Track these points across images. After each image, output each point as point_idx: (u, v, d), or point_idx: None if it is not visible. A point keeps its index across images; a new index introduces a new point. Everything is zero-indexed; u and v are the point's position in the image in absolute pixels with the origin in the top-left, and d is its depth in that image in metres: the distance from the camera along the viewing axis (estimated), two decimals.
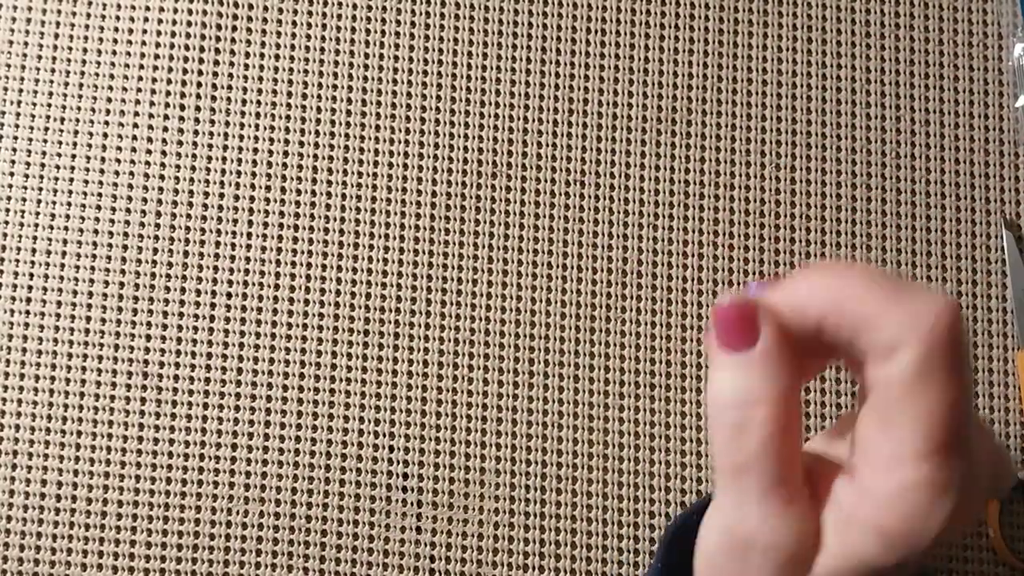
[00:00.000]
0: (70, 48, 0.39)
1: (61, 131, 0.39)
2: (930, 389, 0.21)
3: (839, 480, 0.23)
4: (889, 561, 0.22)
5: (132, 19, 0.39)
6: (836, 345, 0.23)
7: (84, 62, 0.39)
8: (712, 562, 0.24)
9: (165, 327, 0.38)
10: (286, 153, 0.39)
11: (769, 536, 0.23)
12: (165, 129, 0.39)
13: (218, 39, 0.39)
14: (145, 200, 0.38)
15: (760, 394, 0.22)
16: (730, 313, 0.22)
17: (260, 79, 0.39)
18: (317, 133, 0.39)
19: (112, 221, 0.38)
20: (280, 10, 0.40)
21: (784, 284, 0.23)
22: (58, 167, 0.38)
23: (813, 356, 0.24)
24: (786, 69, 0.40)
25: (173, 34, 0.39)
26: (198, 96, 0.39)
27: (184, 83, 0.39)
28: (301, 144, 0.39)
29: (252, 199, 0.39)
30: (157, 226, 0.38)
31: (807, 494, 0.23)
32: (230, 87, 0.39)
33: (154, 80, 0.39)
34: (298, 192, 0.39)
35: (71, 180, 0.38)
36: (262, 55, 0.39)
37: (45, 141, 0.39)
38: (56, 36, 0.39)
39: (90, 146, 0.39)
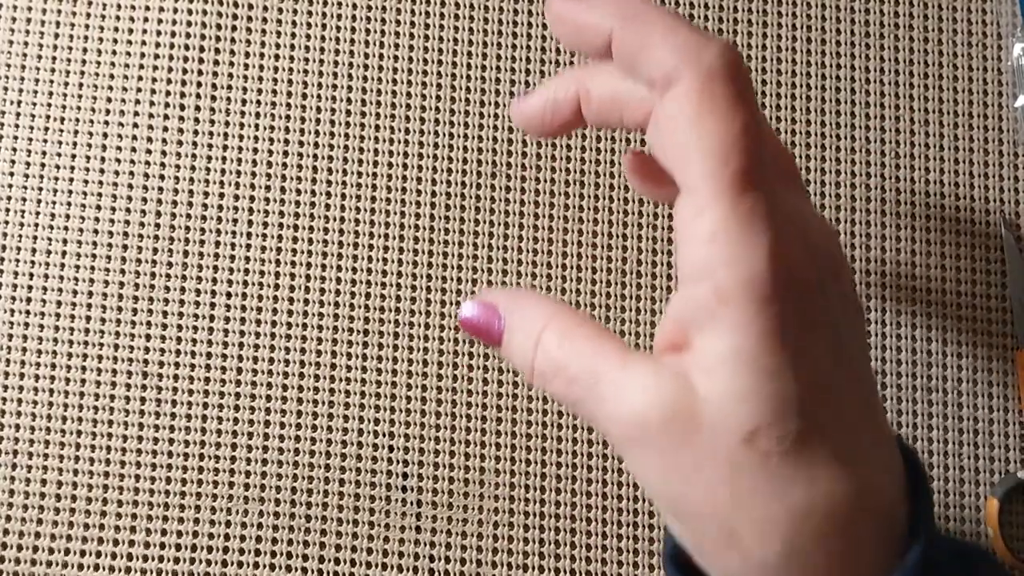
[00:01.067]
0: (70, 48, 0.39)
1: (61, 131, 0.39)
2: (708, 124, 0.20)
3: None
4: (748, 324, 0.20)
5: (132, 19, 0.39)
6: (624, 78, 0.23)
7: (84, 62, 0.39)
8: (659, 494, 0.22)
9: (165, 327, 0.38)
10: (286, 153, 0.39)
11: (635, 403, 0.21)
12: (165, 129, 0.39)
13: (218, 39, 0.39)
14: (145, 200, 0.38)
15: (532, 337, 0.23)
16: (467, 325, 0.24)
17: (260, 79, 0.39)
18: (317, 133, 0.39)
19: (112, 221, 0.38)
20: (280, 10, 0.40)
21: (579, 3, 0.24)
22: (58, 167, 0.38)
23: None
24: (786, 69, 0.40)
25: (173, 34, 0.39)
26: (198, 96, 0.39)
27: (184, 83, 0.39)
28: (301, 144, 0.39)
29: (252, 199, 0.39)
30: (157, 226, 0.38)
31: (646, 354, 0.22)
32: (230, 87, 0.39)
33: (154, 80, 0.39)
34: (298, 192, 0.39)
35: (71, 180, 0.38)
36: (262, 55, 0.39)
37: (45, 141, 0.39)
38: (56, 36, 0.39)
39: (90, 146, 0.39)
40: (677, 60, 0.21)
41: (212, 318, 0.38)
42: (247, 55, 0.39)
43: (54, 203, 0.38)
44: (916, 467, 0.22)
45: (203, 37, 0.39)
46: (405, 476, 0.37)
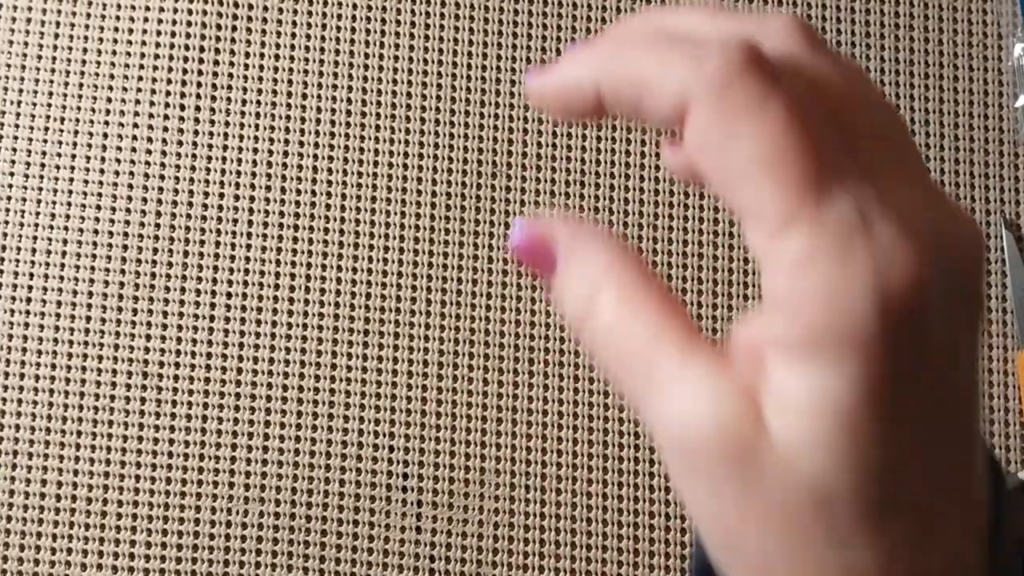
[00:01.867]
0: (70, 48, 0.39)
1: (61, 131, 0.39)
2: (743, 137, 0.17)
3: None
4: (842, 377, 0.16)
5: (132, 19, 0.39)
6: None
7: (84, 62, 0.39)
8: (700, 515, 0.18)
9: (165, 327, 0.38)
10: (286, 153, 0.39)
11: (690, 414, 0.17)
12: (165, 129, 0.39)
13: (218, 39, 0.39)
14: (145, 200, 0.38)
15: (591, 286, 0.19)
16: (522, 250, 0.20)
17: (260, 79, 0.39)
18: (317, 133, 0.39)
19: (112, 221, 0.38)
20: (280, 10, 0.40)
21: (558, 63, 0.20)
22: (58, 167, 0.38)
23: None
24: None
25: (173, 34, 0.39)
26: (198, 96, 0.39)
27: (184, 83, 0.39)
28: (301, 144, 0.39)
29: (252, 199, 0.39)
30: (157, 226, 0.38)
31: (714, 351, 0.18)
32: (230, 87, 0.39)
33: (154, 80, 0.39)
34: (298, 192, 0.39)
35: (71, 180, 0.38)
36: (262, 55, 0.39)
37: (45, 141, 0.39)
38: (56, 36, 0.39)
39: (90, 146, 0.39)
40: (679, 88, 0.18)
41: (212, 318, 0.38)
42: (247, 55, 0.39)
43: (54, 203, 0.38)
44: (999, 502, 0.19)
45: (203, 37, 0.39)
46: (405, 476, 0.37)
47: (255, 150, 0.39)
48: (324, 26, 0.40)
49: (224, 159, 0.39)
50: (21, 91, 0.39)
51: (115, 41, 0.39)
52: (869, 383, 0.16)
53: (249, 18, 0.40)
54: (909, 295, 0.16)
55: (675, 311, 0.19)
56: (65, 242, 0.38)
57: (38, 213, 0.38)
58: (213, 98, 0.39)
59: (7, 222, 0.38)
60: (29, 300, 0.38)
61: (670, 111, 0.18)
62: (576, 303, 0.20)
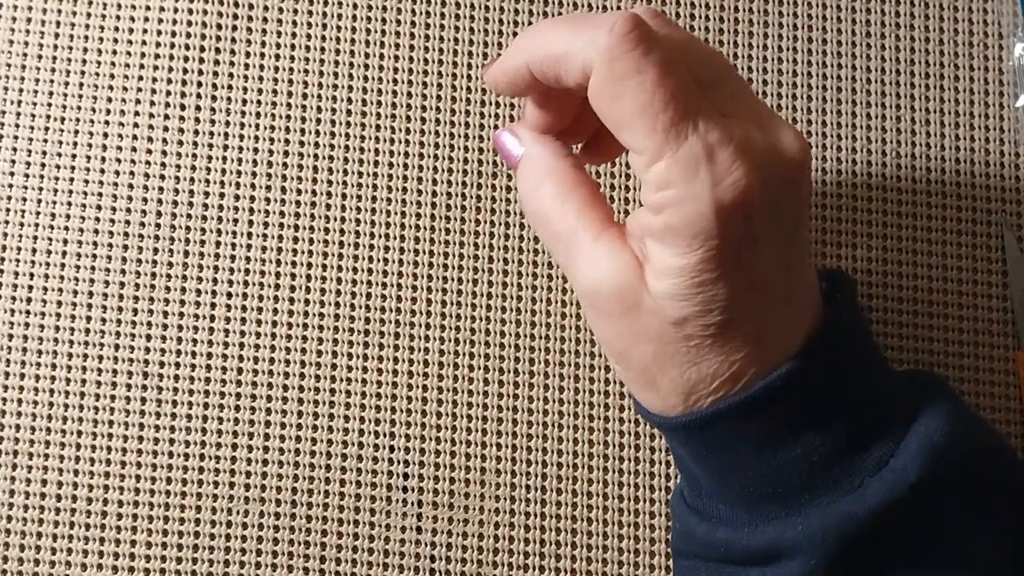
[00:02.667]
0: (70, 48, 0.39)
1: (61, 131, 0.39)
2: (624, 95, 0.24)
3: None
4: (690, 243, 0.24)
5: (132, 19, 0.39)
6: (561, 92, 0.28)
7: (84, 62, 0.39)
8: (602, 341, 0.28)
9: (165, 327, 0.38)
10: (286, 153, 0.39)
11: (597, 276, 0.26)
12: (165, 129, 0.39)
13: (218, 39, 0.39)
14: (145, 200, 0.38)
15: (536, 181, 0.28)
16: (496, 143, 0.30)
17: (260, 79, 0.39)
18: (317, 133, 0.39)
19: (112, 221, 0.38)
20: (280, 10, 0.40)
21: (500, 56, 0.29)
22: (58, 167, 0.38)
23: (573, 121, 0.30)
24: (786, 69, 0.40)
25: (173, 34, 0.39)
26: (198, 96, 0.39)
27: (184, 83, 0.39)
28: (301, 144, 0.39)
29: (252, 199, 0.39)
30: (157, 226, 0.38)
31: (620, 231, 0.27)
32: (230, 87, 0.39)
33: (154, 80, 0.39)
34: (298, 192, 0.39)
35: (71, 180, 0.38)
36: (262, 55, 0.39)
37: (45, 141, 0.39)
38: (56, 36, 0.39)
39: (90, 146, 0.39)
40: (583, 58, 0.25)
41: (212, 318, 0.38)
42: (247, 55, 0.39)
43: (54, 203, 0.38)
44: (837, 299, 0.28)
45: (203, 37, 0.39)
46: (405, 476, 0.37)
47: (255, 150, 0.39)
48: (324, 26, 0.40)
49: (224, 159, 0.39)
50: (21, 91, 0.39)
51: (115, 41, 0.39)
52: (707, 255, 0.24)
53: (249, 18, 0.40)
54: (735, 200, 0.24)
55: (595, 202, 0.27)
56: (65, 242, 0.38)
57: (38, 213, 0.38)
58: (213, 98, 0.39)
59: (7, 222, 0.38)
60: (29, 300, 0.38)
61: (581, 77, 0.25)
62: (525, 190, 0.28)
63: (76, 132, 0.39)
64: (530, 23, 0.40)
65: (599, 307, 0.26)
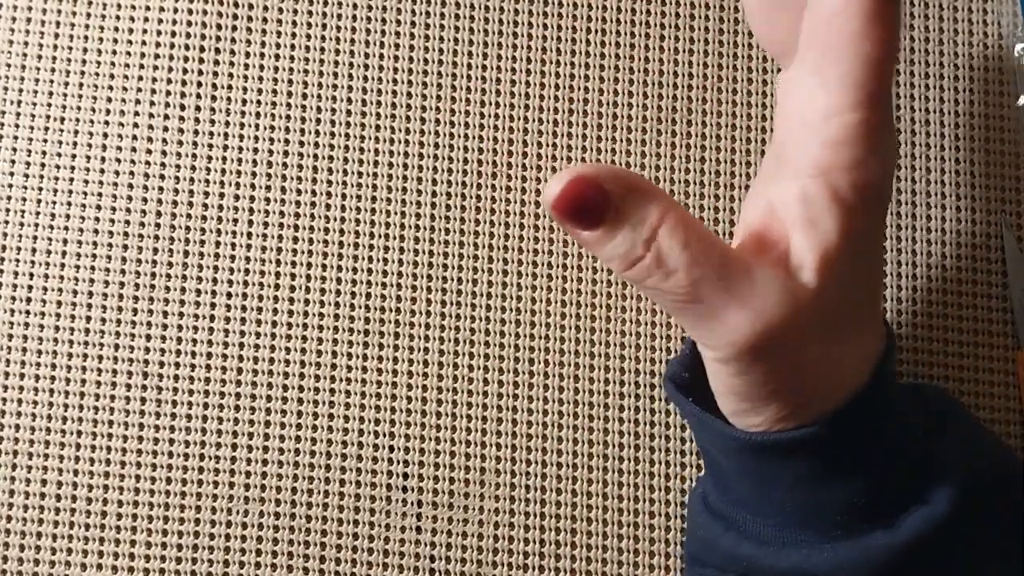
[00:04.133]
0: (70, 48, 0.39)
1: (61, 131, 0.39)
2: (872, 39, 0.23)
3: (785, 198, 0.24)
4: (861, 210, 0.23)
5: (132, 19, 0.39)
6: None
7: (84, 62, 0.39)
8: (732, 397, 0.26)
9: (165, 327, 0.38)
10: (286, 153, 0.39)
11: (743, 337, 0.23)
12: (165, 129, 0.39)
13: (218, 39, 0.39)
14: (145, 200, 0.38)
15: (635, 241, 0.22)
16: (563, 202, 0.22)
17: (260, 79, 0.39)
18: (317, 133, 0.39)
19: (112, 221, 0.38)
20: (280, 10, 0.40)
21: None
22: (58, 167, 0.38)
23: None
24: None
25: (173, 34, 0.39)
26: (198, 96, 0.39)
27: (184, 83, 0.39)
28: (301, 144, 0.39)
29: (252, 199, 0.39)
30: (157, 226, 0.38)
31: (752, 263, 0.23)
32: (230, 87, 0.39)
33: (154, 80, 0.39)
34: (298, 192, 0.39)
35: (71, 180, 0.38)
36: (262, 55, 0.39)
37: (45, 141, 0.39)
38: (56, 36, 0.39)
39: (90, 146, 0.39)
40: None
41: (212, 318, 0.38)
42: (247, 55, 0.39)
43: (54, 203, 0.38)
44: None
45: (203, 37, 0.39)
46: (405, 476, 0.37)
47: (255, 150, 0.39)
48: (324, 26, 0.40)
49: (224, 159, 0.39)
50: (21, 91, 0.39)
51: (115, 41, 0.39)
52: (872, 228, 0.24)
53: (249, 18, 0.40)
54: (889, 178, 0.24)
55: (713, 239, 0.23)
56: (65, 242, 0.38)
57: (38, 213, 0.38)
58: (213, 98, 0.39)
59: (7, 222, 0.38)
60: (29, 300, 0.38)
61: None
62: (632, 244, 0.22)
63: (76, 132, 0.39)
64: (530, 23, 0.40)
65: (745, 361, 0.24)
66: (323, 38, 0.40)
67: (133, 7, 0.39)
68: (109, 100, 0.39)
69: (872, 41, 0.23)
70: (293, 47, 0.39)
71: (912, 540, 0.25)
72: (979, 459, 0.27)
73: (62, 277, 0.38)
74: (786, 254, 0.23)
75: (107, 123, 0.39)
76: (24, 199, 0.38)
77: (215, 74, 0.39)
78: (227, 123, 0.39)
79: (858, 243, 0.23)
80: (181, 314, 0.38)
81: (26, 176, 0.38)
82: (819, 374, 0.24)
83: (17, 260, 0.38)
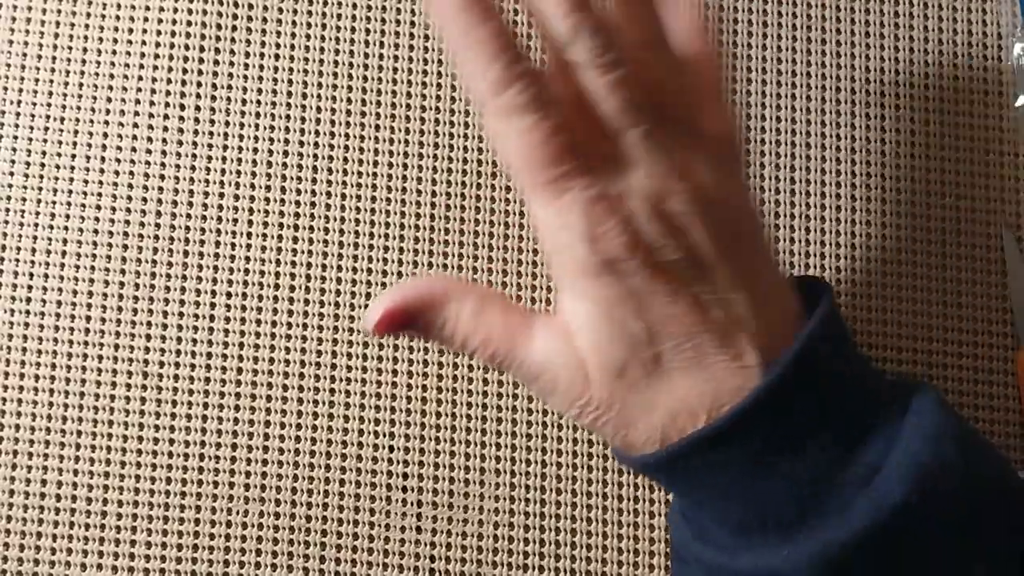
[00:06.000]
0: (70, 48, 0.39)
1: (61, 131, 0.39)
2: (506, 144, 0.25)
3: None
4: (590, 300, 0.25)
5: (132, 19, 0.39)
6: None
7: (84, 62, 0.39)
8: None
9: (165, 327, 0.38)
10: (286, 153, 0.39)
11: (549, 373, 0.26)
12: (165, 129, 0.39)
13: (218, 39, 0.39)
14: (145, 200, 0.38)
15: (448, 338, 0.27)
16: (392, 321, 0.28)
17: (260, 79, 0.39)
18: (317, 133, 0.39)
19: (112, 221, 0.38)
20: (280, 10, 0.40)
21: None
22: (58, 167, 0.38)
23: None
24: (786, 69, 0.40)
25: (173, 34, 0.39)
26: (198, 96, 0.39)
27: (184, 83, 0.39)
28: (301, 144, 0.39)
29: (252, 199, 0.39)
30: (157, 226, 0.38)
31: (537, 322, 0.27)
32: (230, 87, 0.39)
33: (154, 80, 0.39)
34: (298, 192, 0.39)
35: (71, 180, 0.38)
36: (262, 55, 0.39)
37: (45, 141, 0.39)
38: (56, 36, 0.39)
39: (90, 146, 0.39)
40: (478, 101, 0.25)
41: (212, 318, 0.38)
42: (247, 55, 0.39)
43: (54, 203, 0.38)
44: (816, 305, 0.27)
45: (203, 37, 0.39)
46: (405, 476, 0.37)
47: (255, 150, 0.39)
48: (324, 26, 0.40)
49: (224, 159, 0.39)
50: (21, 91, 0.39)
51: (115, 41, 0.39)
52: (602, 294, 0.25)
53: (249, 18, 0.40)
54: (619, 240, 0.25)
55: (510, 307, 0.27)
56: (65, 242, 0.38)
57: (38, 213, 0.38)
58: (213, 98, 0.39)
59: (7, 222, 0.38)
60: (29, 300, 0.38)
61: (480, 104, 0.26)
62: (460, 332, 0.27)
63: (76, 132, 0.39)
64: (530, 23, 0.40)
65: (556, 391, 0.27)
66: (323, 38, 0.40)
67: (133, 7, 0.39)
68: (109, 100, 0.39)
69: (512, 141, 0.25)
70: (293, 47, 0.39)
71: (863, 531, 0.24)
72: (952, 456, 0.25)
73: (62, 277, 0.38)
74: (563, 319, 0.26)
75: (107, 123, 0.39)
76: (24, 199, 0.38)
77: (215, 74, 0.39)
78: (227, 123, 0.39)
79: (604, 315, 0.25)
80: (181, 314, 0.38)
81: (26, 176, 0.38)
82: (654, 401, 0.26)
83: (17, 260, 0.38)
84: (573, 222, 0.24)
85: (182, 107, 0.39)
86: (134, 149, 0.39)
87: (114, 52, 0.39)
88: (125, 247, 0.38)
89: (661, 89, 0.26)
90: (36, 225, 0.38)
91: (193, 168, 0.39)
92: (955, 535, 0.25)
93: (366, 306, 0.38)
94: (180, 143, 0.39)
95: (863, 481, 0.24)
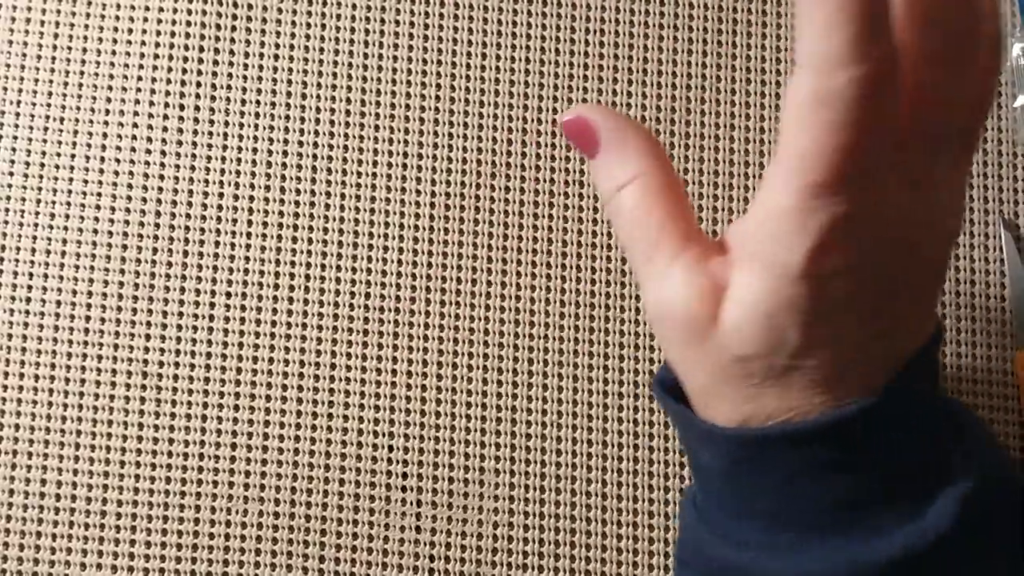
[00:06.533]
0: (70, 48, 0.39)
1: (61, 131, 0.39)
2: (807, 134, 0.22)
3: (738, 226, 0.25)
4: (773, 291, 0.23)
5: (132, 19, 0.39)
6: None
7: (84, 62, 0.39)
8: (668, 352, 0.26)
9: (165, 327, 0.38)
10: (286, 152, 0.39)
11: (665, 301, 0.25)
12: (165, 129, 0.39)
13: (218, 39, 0.39)
14: (145, 200, 0.38)
15: (621, 179, 0.26)
16: (569, 128, 0.26)
17: (260, 79, 0.39)
18: (317, 133, 0.39)
19: (112, 221, 0.38)
20: (280, 10, 0.40)
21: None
22: (58, 167, 0.38)
23: None
24: (786, 69, 0.40)
25: (173, 34, 0.39)
26: (197, 96, 0.39)
27: (183, 83, 0.39)
28: (301, 144, 0.39)
29: (252, 199, 0.39)
30: (157, 226, 0.38)
31: (700, 251, 0.25)
32: (230, 87, 0.39)
33: (154, 80, 0.39)
34: (298, 192, 0.39)
35: (71, 180, 0.38)
36: (262, 55, 0.39)
37: (45, 141, 0.39)
38: (56, 36, 0.39)
39: (90, 146, 0.39)
40: (803, 60, 0.22)
41: (212, 318, 0.38)
42: (247, 55, 0.39)
43: (54, 203, 0.38)
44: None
45: (203, 37, 0.39)
46: (405, 476, 0.37)
47: (255, 150, 0.39)
48: (324, 26, 0.40)
49: (224, 159, 0.39)
50: (21, 91, 0.39)
51: (115, 41, 0.39)
52: (788, 301, 0.23)
53: (249, 18, 0.40)
54: (830, 271, 0.23)
55: (682, 213, 0.25)
56: (65, 242, 0.38)
57: (38, 213, 0.38)
58: (212, 98, 0.39)
59: (7, 222, 0.38)
60: (29, 300, 0.38)
61: (798, 57, 0.23)
62: (608, 184, 0.26)
63: (76, 132, 0.39)
64: (529, 23, 0.40)
65: (664, 332, 0.26)
66: (323, 38, 0.40)
67: (133, 7, 0.39)
68: (109, 100, 0.39)
69: (810, 128, 0.22)
70: (293, 47, 0.40)
71: (899, 556, 0.24)
72: (989, 476, 0.25)
73: (62, 277, 0.38)
74: (730, 281, 0.25)
75: (107, 123, 0.39)
76: (24, 199, 0.38)
77: (214, 74, 0.39)
78: (226, 122, 0.39)
79: (772, 311, 0.24)
80: (181, 314, 0.38)
81: (26, 176, 0.38)
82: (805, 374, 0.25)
83: (17, 260, 0.38)
84: (809, 234, 0.22)
85: (182, 107, 0.39)
86: (134, 149, 0.39)
87: (114, 52, 0.39)
88: (125, 247, 0.38)
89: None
90: (36, 225, 0.38)
91: (193, 168, 0.39)
92: (994, 563, 0.25)
93: (366, 306, 0.38)
94: (180, 143, 0.39)
95: (904, 518, 0.25)
